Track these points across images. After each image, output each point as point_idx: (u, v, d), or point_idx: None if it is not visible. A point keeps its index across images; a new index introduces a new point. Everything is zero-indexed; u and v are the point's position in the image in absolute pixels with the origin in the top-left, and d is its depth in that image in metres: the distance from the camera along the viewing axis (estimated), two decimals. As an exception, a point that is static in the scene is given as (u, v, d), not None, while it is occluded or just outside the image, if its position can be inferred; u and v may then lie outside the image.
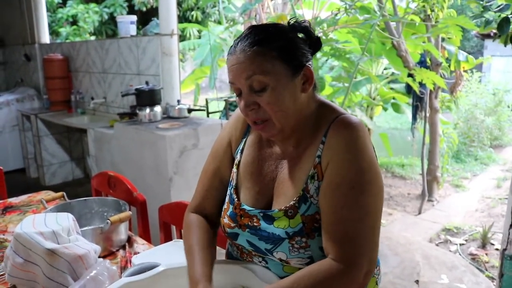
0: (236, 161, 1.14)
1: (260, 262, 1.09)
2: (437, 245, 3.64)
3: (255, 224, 1.05)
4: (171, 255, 1.28)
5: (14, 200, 2.07)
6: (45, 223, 1.32)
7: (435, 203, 4.63)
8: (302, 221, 0.99)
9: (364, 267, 0.93)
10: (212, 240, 1.14)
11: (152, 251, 1.36)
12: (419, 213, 4.36)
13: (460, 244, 3.61)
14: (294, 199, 1.01)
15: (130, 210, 1.62)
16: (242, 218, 1.08)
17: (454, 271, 3.10)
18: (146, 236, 1.72)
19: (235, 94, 1.02)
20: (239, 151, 1.14)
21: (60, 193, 1.76)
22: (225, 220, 1.12)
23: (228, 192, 1.13)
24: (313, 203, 1.00)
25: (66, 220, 1.36)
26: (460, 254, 3.45)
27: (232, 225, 1.10)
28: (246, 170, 1.11)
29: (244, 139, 1.14)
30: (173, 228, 1.65)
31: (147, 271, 1.11)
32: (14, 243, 1.28)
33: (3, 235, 1.71)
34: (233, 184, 1.12)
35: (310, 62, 1.02)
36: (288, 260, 1.02)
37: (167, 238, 1.63)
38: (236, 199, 1.10)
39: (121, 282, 1.07)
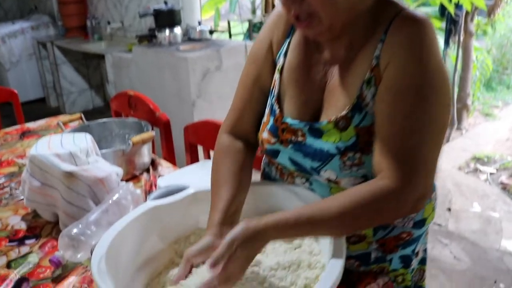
0: (278, 66, 0.97)
1: (303, 183, 0.96)
2: (466, 173, 3.49)
3: (299, 139, 0.91)
4: (200, 177, 1.15)
5: (31, 125, 1.97)
6: (62, 144, 1.20)
7: (464, 132, 4.43)
8: (356, 134, 0.84)
9: (420, 189, 0.78)
10: (246, 166, 0.99)
11: (179, 172, 1.24)
12: (448, 141, 4.17)
13: (490, 173, 3.45)
14: (347, 108, 0.85)
15: (153, 131, 1.49)
16: (285, 132, 0.93)
17: (486, 200, 2.98)
18: (171, 158, 1.60)
19: None
20: (282, 54, 0.96)
21: (77, 114, 1.64)
22: (264, 135, 0.97)
23: (269, 103, 0.98)
24: (369, 113, 0.83)
25: (84, 140, 1.24)
26: (490, 183, 3.30)
27: (272, 140, 0.95)
28: (290, 76, 0.94)
29: (288, 40, 0.96)
30: (200, 149, 1.52)
31: (175, 193, 0.99)
32: (30, 166, 1.18)
33: (22, 159, 1.62)
34: (275, 93, 0.96)
35: None
36: (338, 180, 0.88)
37: (194, 160, 1.51)
38: (278, 111, 0.94)
39: (147, 206, 0.95)
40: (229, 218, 0.89)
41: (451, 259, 2.34)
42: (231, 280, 0.76)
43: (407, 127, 0.79)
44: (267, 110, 0.98)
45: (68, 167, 1.13)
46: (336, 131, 0.85)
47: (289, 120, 0.92)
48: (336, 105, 0.87)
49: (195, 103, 2.77)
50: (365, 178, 0.86)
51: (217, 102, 2.89)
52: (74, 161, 1.16)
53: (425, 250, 1.05)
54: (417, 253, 1.01)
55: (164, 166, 1.49)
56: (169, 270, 0.94)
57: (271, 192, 0.99)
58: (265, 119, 0.97)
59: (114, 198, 1.14)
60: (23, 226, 1.21)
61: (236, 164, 0.98)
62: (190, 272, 0.84)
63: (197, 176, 1.18)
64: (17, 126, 1.97)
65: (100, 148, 1.33)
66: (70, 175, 1.12)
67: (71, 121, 1.62)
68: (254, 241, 0.76)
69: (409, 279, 1.01)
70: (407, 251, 0.98)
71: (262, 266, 0.86)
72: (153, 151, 1.64)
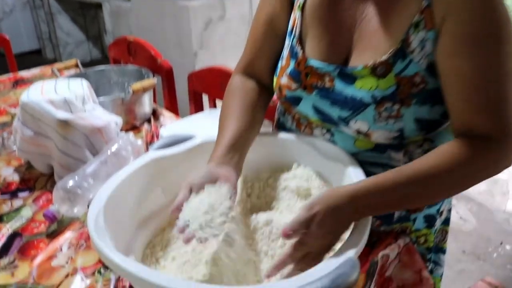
0: (299, 2, 0.85)
1: (323, 135, 0.86)
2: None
3: (327, 85, 0.80)
4: (206, 126, 1.06)
5: (25, 74, 1.85)
6: (56, 91, 1.10)
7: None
8: (396, 83, 0.74)
9: None
10: (258, 105, 0.90)
11: (184, 122, 1.14)
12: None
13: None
14: (388, 53, 0.74)
15: (154, 78, 1.39)
16: (309, 77, 0.82)
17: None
18: (173, 108, 1.51)
19: None
20: None
21: (73, 61, 1.53)
22: (283, 80, 0.86)
23: (288, 44, 0.86)
24: (414, 61, 0.72)
25: (80, 87, 1.14)
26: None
27: (293, 86, 0.84)
28: (314, 14, 0.83)
29: None
30: (205, 98, 1.42)
31: (179, 144, 0.90)
32: (22, 114, 1.08)
33: (14, 109, 1.52)
34: (296, 33, 0.85)
35: None
36: (369, 133, 0.78)
37: (198, 109, 1.42)
38: (301, 52, 0.83)
39: (149, 156, 0.86)
40: (233, 151, 0.80)
41: (457, 219, 2.29)
42: (307, 260, 0.66)
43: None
44: (285, 53, 0.87)
45: (63, 114, 1.03)
46: (372, 78, 0.75)
47: (314, 63, 0.81)
48: (373, 49, 0.76)
49: (197, 54, 2.64)
50: (401, 132, 0.77)
51: (220, 54, 2.76)
52: (70, 108, 1.07)
53: (449, 210, 0.97)
54: (442, 212, 0.94)
55: (166, 116, 1.39)
56: (173, 226, 0.85)
57: (286, 144, 0.90)
58: (283, 62, 0.87)
59: (113, 148, 1.06)
60: (16, 178, 1.13)
61: (247, 100, 0.89)
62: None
63: (203, 126, 1.08)
64: (10, 75, 1.86)
65: (98, 97, 1.23)
66: (65, 123, 1.03)
67: (66, 68, 1.51)
68: (339, 212, 0.65)
69: (431, 240, 0.94)
70: (432, 210, 0.90)
71: (275, 225, 0.78)
72: (155, 101, 1.54)
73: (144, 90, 1.28)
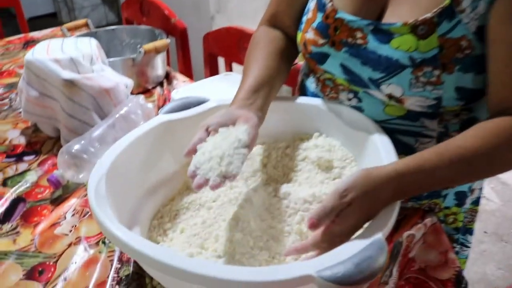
0: None
1: (349, 100, 0.79)
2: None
3: (358, 41, 0.71)
4: (222, 90, 0.99)
5: (36, 34, 1.79)
6: (62, 49, 1.04)
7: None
8: (439, 45, 0.65)
9: None
10: (284, 53, 0.83)
11: (197, 85, 1.07)
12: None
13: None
14: (434, 11, 0.65)
15: (167, 39, 1.31)
16: (338, 31, 0.73)
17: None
18: (187, 72, 1.43)
19: None
20: None
21: (83, 20, 1.46)
22: (309, 35, 0.78)
23: None
24: (463, 22, 0.63)
25: (88, 46, 1.07)
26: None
27: (320, 41, 0.76)
28: None
29: None
30: (221, 61, 1.34)
31: (192, 107, 0.83)
32: (26, 73, 1.02)
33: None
34: None
35: None
36: (403, 98, 0.70)
37: (214, 73, 1.34)
38: (330, 4, 0.74)
39: (158, 120, 0.80)
40: (256, 94, 0.74)
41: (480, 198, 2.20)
42: (335, 244, 0.57)
43: None
44: (311, 5, 0.79)
45: (68, 74, 0.97)
46: (412, 38, 0.66)
47: (345, 16, 0.72)
48: (414, 4, 0.67)
49: (214, 18, 2.54)
50: (438, 100, 0.68)
51: (238, 21, 2.64)
52: (76, 68, 1.00)
53: (480, 189, 0.89)
54: (473, 190, 0.86)
55: (180, 80, 1.32)
56: (183, 196, 0.80)
57: (307, 110, 0.83)
58: (309, 15, 0.78)
59: (122, 111, 1.00)
60: (22, 141, 1.08)
61: (271, 47, 0.83)
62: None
63: (217, 90, 1.01)
64: (21, 35, 1.80)
65: (109, 58, 1.16)
66: (71, 83, 0.96)
67: (76, 28, 1.44)
68: (376, 197, 0.58)
69: (460, 220, 0.87)
70: (464, 187, 0.83)
71: (293, 198, 0.72)
72: (168, 64, 1.46)
73: (157, 51, 1.21)
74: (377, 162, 0.65)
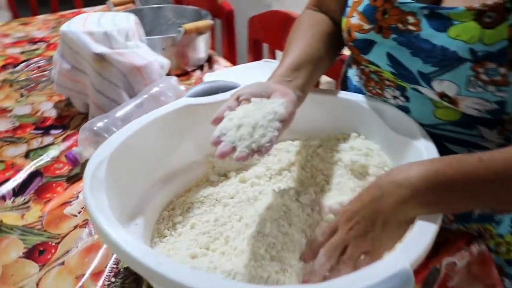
0: None
1: (394, 98, 0.68)
2: None
3: (410, 27, 0.60)
4: (257, 77, 0.90)
5: (89, 9, 1.79)
6: (99, 23, 1.00)
7: None
8: (510, 37, 0.53)
9: None
10: (329, 36, 0.75)
11: (232, 70, 1.00)
12: None
13: None
14: None
15: (211, 20, 1.25)
16: (387, 15, 0.63)
17: None
18: (231, 57, 1.36)
19: None
20: None
21: (130, -4, 1.42)
22: (354, 19, 0.68)
23: None
24: None
25: (126, 21, 1.03)
26: None
27: (366, 27, 0.66)
28: None
29: None
30: (265, 47, 1.26)
31: (220, 92, 0.76)
32: (61, 45, 0.99)
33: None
34: None
35: None
36: (458, 99, 0.58)
37: (257, 60, 1.26)
38: None
39: (179, 103, 0.73)
40: (296, 72, 0.66)
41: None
42: (355, 254, 0.52)
43: None
44: None
45: (100, 48, 0.93)
46: (476, 26, 0.55)
47: None
48: None
49: (271, 5, 2.45)
50: (502, 105, 0.57)
51: (296, 8, 2.55)
52: (110, 43, 0.96)
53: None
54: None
55: (222, 64, 1.26)
56: (201, 188, 0.74)
57: (345, 106, 0.73)
58: None
59: (152, 91, 0.94)
60: (53, 114, 1.06)
61: (315, 29, 0.74)
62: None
63: (253, 76, 0.92)
64: (74, 10, 1.81)
65: (151, 36, 1.12)
66: (101, 58, 0.92)
67: (123, 3, 1.41)
68: (405, 206, 0.50)
69: (516, 251, 0.74)
70: (525, 212, 0.70)
71: (316, 205, 0.63)
72: (212, 47, 1.40)
73: (198, 31, 1.14)
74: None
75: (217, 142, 0.53)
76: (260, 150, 0.52)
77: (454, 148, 0.64)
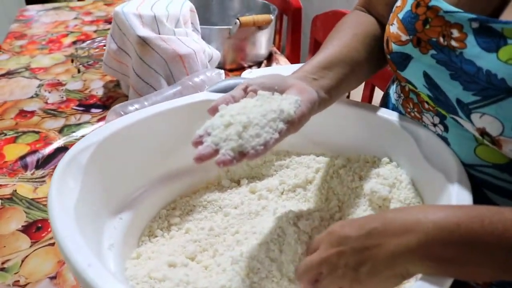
0: None
1: (434, 125, 0.57)
2: None
3: (454, 42, 0.48)
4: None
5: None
6: (152, 6, 0.97)
7: None
8: None
9: None
10: (377, 37, 0.64)
11: (276, 69, 0.92)
12: None
13: None
14: None
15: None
16: (428, 25, 0.51)
17: None
18: (294, 56, 1.28)
19: None
20: None
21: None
22: (393, 28, 0.57)
23: None
24: None
25: (179, 7, 0.99)
26: None
27: (404, 38, 0.55)
28: None
29: None
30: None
31: (246, 92, 0.69)
32: (112, 25, 0.98)
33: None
34: None
35: None
36: (501, 140, 0.46)
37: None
38: None
39: (200, 96, 0.68)
40: (324, 71, 0.57)
41: None
42: None
43: None
44: None
45: (144, 31, 0.90)
46: None
47: (443, 5, 0.50)
48: None
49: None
50: None
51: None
52: (157, 27, 0.93)
53: None
54: None
55: (282, 63, 1.18)
56: (208, 192, 0.68)
57: (380, 126, 0.63)
58: (399, 2, 0.58)
59: (190, 82, 0.90)
60: (99, 93, 1.06)
61: (360, 28, 0.64)
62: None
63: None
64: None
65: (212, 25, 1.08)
66: (143, 41, 0.89)
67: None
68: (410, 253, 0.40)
69: None
70: None
71: (316, 235, 0.54)
72: (278, 45, 1.33)
73: (256, 25, 1.08)
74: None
75: (197, 142, 0.46)
76: (248, 153, 0.43)
77: (495, 198, 0.51)
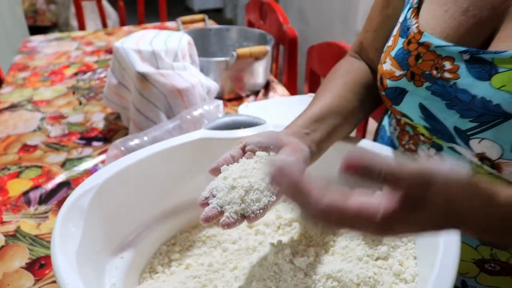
0: None
1: (430, 156, 0.59)
2: None
3: (447, 74, 0.51)
4: (294, 113, 0.85)
5: (171, 24, 1.85)
6: (151, 41, 1.00)
7: None
8: None
9: None
10: (367, 84, 0.67)
11: (270, 102, 0.95)
12: None
13: None
14: None
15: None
16: (421, 60, 0.54)
17: None
18: (291, 85, 1.30)
19: None
20: None
21: (201, 15, 1.43)
22: (386, 65, 0.60)
23: (401, 20, 0.60)
24: None
25: (177, 41, 1.02)
26: None
27: (398, 73, 0.58)
28: None
29: None
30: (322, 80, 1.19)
31: (242, 127, 0.72)
32: (112, 60, 1.01)
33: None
34: (413, 2, 0.59)
35: None
36: (501, 164, 0.48)
37: (312, 91, 1.20)
38: (416, 26, 0.56)
39: (197, 134, 0.70)
40: (315, 125, 0.59)
41: None
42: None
43: None
44: (394, 31, 0.61)
45: (143, 67, 0.93)
46: None
47: (433, 40, 0.53)
48: None
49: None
50: None
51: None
52: (156, 62, 0.96)
53: None
54: None
55: (279, 92, 1.21)
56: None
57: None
58: (389, 43, 0.61)
59: (189, 115, 0.92)
60: (100, 125, 1.08)
61: (349, 77, 0.67)
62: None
63: (291, 112, 0.87)
64: (157, 23, 1.88)
65: (211, 57, 1.11)
66: (143, 77, 0.92)
67: (192, 21, 1.42)
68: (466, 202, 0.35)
69: None
70: None
71: (313, 270, 0.56)
72: (275, 74, 1.36)
73: (253, 56, 1.11)
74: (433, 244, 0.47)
75: (203, 204, 0.49)
76: (248, 216, 0.48)
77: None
